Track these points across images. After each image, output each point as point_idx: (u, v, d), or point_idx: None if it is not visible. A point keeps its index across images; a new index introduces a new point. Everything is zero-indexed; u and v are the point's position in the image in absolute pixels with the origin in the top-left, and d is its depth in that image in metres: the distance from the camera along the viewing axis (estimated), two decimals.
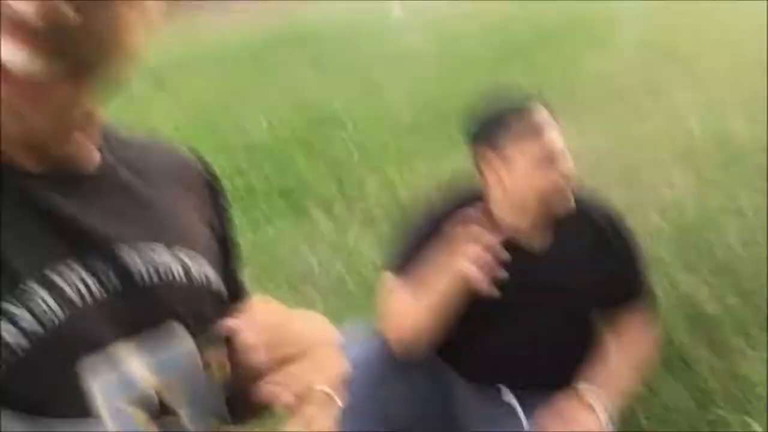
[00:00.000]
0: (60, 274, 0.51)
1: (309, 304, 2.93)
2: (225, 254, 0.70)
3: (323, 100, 5.97)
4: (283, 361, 0.54)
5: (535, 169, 1.42)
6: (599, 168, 3.60)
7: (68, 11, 0.44)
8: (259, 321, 0.55)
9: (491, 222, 1.46)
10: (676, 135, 3.79)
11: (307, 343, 0.56)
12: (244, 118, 5.81)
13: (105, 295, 0.53)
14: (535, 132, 1.43)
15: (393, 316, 1.51)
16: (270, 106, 6.03)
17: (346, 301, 2.86)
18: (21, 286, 0.48)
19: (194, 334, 0.60)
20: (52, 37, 0.45)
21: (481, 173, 1.52)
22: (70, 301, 0.51)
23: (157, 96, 7.04)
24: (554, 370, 1.53)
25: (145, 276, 0.57)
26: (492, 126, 1.48)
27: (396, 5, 9.28)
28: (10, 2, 0.43)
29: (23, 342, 0.47)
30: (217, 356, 0.62)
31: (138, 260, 0.57)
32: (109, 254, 0.55)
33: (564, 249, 1.51)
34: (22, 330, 0.47)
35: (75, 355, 0.50)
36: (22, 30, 0.44)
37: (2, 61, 0.44)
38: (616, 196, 3.20)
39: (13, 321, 0.47)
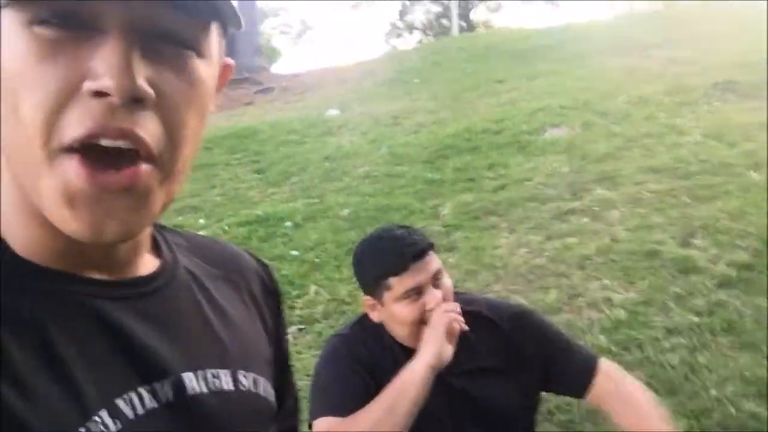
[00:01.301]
0: (128, 402, 0.51)
1: None
2: (281, 362, 0.72)
3: (263, 198, 6.05)
4: None
5: (404, 305, 1.50)
6: (531, 266, 3.77)
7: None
8: None
9: (395, 339, 1.56)
10: (600, 232, 4.02)
11: None
12: (183, 217, 5.80)
13: (168, 421, 0.53)
14: (414, 288, 1.49)
15: None
16: (210, 204, 6.06)
17: None
18: (94, 417, 0.48)
19: None
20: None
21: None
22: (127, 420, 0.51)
23: None
24: None
25: (211, 405, 0.57)
26: (373, 282, 1.55)
27: (333, 109, 9.64)
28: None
29: None
30: None
31: (204, 388, 0.57)
32: (176, 383, 0.55)
33: (472, 358, 1.55)
34: None
35: None
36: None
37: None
38: (548, 295, 3.37)
39: None
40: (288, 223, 5.07)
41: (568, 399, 2.55)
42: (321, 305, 3.68)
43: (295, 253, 4.48)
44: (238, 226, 5.16)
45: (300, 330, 3.49)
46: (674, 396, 2.46)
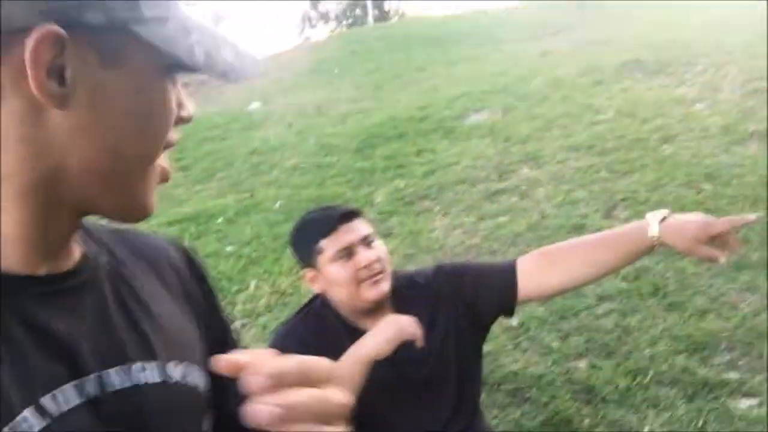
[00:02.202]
0: (53, 399, 0.51)
1: None
2: (211, 310, 0.74)
3: (190, 196, 5.93)
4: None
5: (338, 266, 1.58)
6: (466, 246, 3.88)
7: None
8: (265, 366, 0.47)
9: (339, 318, 1.63)
10: (529, 210, 4.18)
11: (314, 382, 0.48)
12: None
13: (94, 416, 0.53)
14: (345, 248, 1.57)
15: None
16: None
17: None
18: (18, 417, 0.48)
19: None
20: None
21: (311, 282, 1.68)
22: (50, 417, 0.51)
23: None
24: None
25: (136, 399, 0.57)
26: (304, 249, 1.64)
27: (255, 102, 9.50)
28: None
29: None
30: None
31: (128, 383, 0.57)
32: (101, 378, 0.55)
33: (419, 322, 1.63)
34: None
35: None
36: None
37: None
38: None
39: None
40: (220, 220, 5.00)
41: (513, 368, 2.66)
42: (263, 299, 3.66)
43: (230, 248, 4.43)
44: (168, 225, 5.04)
45: (243, 325, 3.47)
46: (611, 358, 2.61)
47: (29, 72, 0.47)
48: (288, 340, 1.63)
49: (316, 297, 1.70)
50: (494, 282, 1.62)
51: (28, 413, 0.49)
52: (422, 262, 3.78)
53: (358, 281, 1.56)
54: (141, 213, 0.59)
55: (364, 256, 1.56)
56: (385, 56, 11.42)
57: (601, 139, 5.11)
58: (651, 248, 1.44)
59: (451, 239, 4.01)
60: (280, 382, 0.46)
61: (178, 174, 6.73)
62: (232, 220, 4.99)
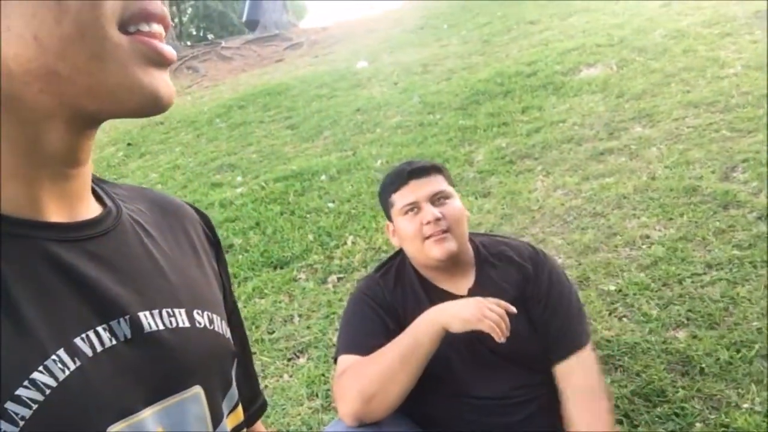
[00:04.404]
0: (86, 341, 0.52)
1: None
2: (223, 284, 0.73)
3: (297, 153, 6.10)
4: None
5: (405, 220, 1.60)
6: (567, 207, 3.75)
7: None
8: None
9: (417, 273, 1.65)
10: (637, 171, 3.95)
11: None
12: (221, 175, 5.90)
13: (128, 357, 0.54)
14: (412, 204, 1.60)
15: (348, 390, 1.46)
16: (246, 162, 6.13)
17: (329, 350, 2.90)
18: (52, 356, 0.49)
19: (221, 395, 0.63)
20: None
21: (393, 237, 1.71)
22: (92, 361, 0.51)
23: (133, 162, 7.11)
24: (509, 417, 1.55)
25: (169, 341, 0.58)
26: (384, 201, 1.69)
27: (362, 61, 9.54)
28: None
29: (37, 395, 0.47)
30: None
31: (161, 325, 0.58)
32: (133, 321, 0.56)
33: (486, 290, 1.59)
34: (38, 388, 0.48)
35: (91, 411, 0.50)
36: None
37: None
38: (585, 235, 3.36)
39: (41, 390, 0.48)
40: (323, 177, 5.12)
41: (606, 335, 2.57)
42: (358, 254, 3.73)
43: (331, 205, 4.53)
44: (275, 181, 5.22)
45: (339, 279, 3.56)
46: (715, 329, 2.45)
47: None
48: (366, 298, 1.67)
49: (400, 251, 1.72)
50: (559, 337, 1.56)
51: (60, 354, 0.49)
52: (519, 223, 3.70)
53: (423, 237, 1.56)
54: (138, 99, 0.51)
55: (428, 211, 1.55)
56: (496, 9, 11.06)
57: (724, 95, 4.71)
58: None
59: (551, 200, 3.89)
60: None
61: (286, 132, 6.95)
62: (334, 177, 5.09)
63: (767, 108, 4.26)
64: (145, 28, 0.51)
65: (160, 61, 0.52)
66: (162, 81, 0.52)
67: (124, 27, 0.50)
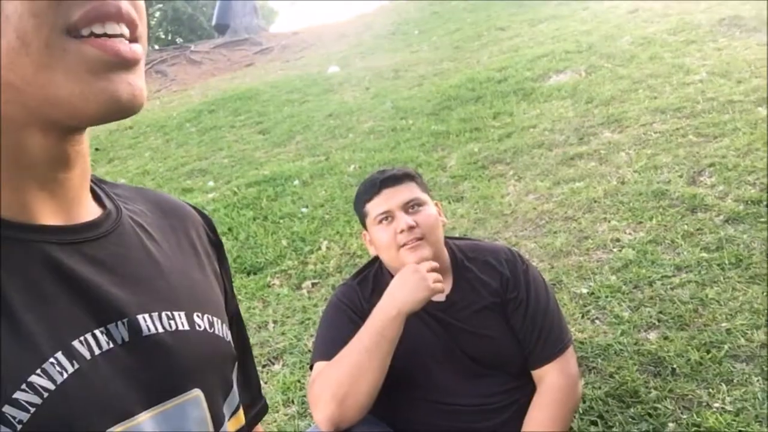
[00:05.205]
0: (84, 344, 0.51)
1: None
2: (225, 287, 0.73)
3: (269, 158, 6.06)
4: None
5: (380, 229, 1.61)
6: (539, 211, 3.79)
7: None
8: None
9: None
10: (607, 175, 4.02)
11: None
12: (192, 180, 5.84)
13: (126, 360, 0.54)
14: (385, 213, 1.60)
15: (321, 395, 1.46)
16: (217, 167, 6.08)
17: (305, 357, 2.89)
18: (49, 360, 0.48)
19: (222, 398, 0.63)
20: None
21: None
22: (91, 365, 0.51)
23: (101, 168, 7.00)
24: (488, 423, 1.56)
25: (168, 344, 0.57)
26: (358, 211, 1.69)
27: (334, 66, 9.54)
28: None
29: (34, 399, 0.47)
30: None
31: (159, 328, 0.57)
32: (131, 324, 0.55)
33: (464, 295, 1.62)
34: (35, 390, 0.47)
35: (89, 414, 0.50)
36: None
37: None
38: (557, 239, 3.40)
39: (38, 393, 0.47)
40: (296, 182, 5.10)
41: (579, 337, 2.61)
42: (333, 259, 3.72)
43: (304, 210, 4.51)
44: (247, 186, 5.19)
45: (314, 284, 3.55)
46: (685, 330, 2.50)
47: None
48: (342, 305, 1.67)
49: (377, 258, 1.72)
50: (539, 345, 1.59)
51: (59, 356, 0.49)
52: (492, 227, 3.73)
53: (398, 246, 1.56)
54: (95, 107, 0.49)
55: (402, 220, 1.56)
56: (467, 16, 11.17)
57: (690, 101, 4.82)
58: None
59: (523, 204, 3.93)
60: None
61: (258, 137, 6.91)
62: (307, 182, 5.07)
63: (732, 114, 4.36)
64: (99, 29, 0.48)
65: (118, 63, 0.49)
66: (123, 84, 0.49)
67: (74, 31, 0.47)
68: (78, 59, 0.47)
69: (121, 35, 0.49)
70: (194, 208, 0.75)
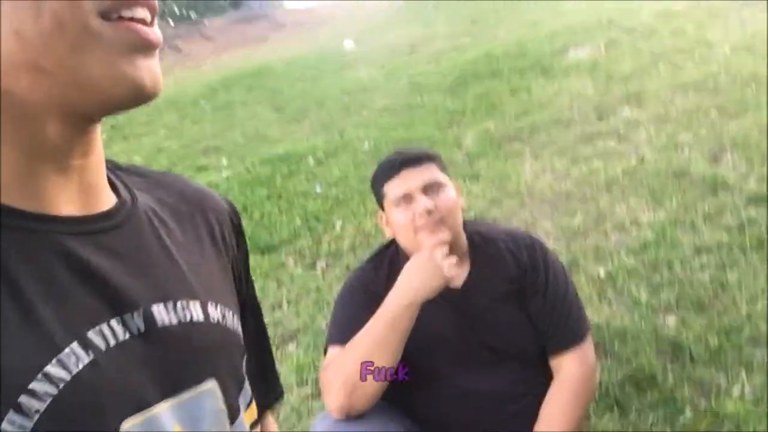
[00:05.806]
0: (100, 334, 0.51)
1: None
2: (243, 274, 0.73)
3: (283, 136, 6.03)
4: None
5: (398, 211, 1.56)
6: (556, 191, 3.73)
7: None
8: None
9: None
10: (626, 154, 3.94)
11: None
12: (206, 158, 5.83)
13: (142, 351, 0.54)
14: (404, 195, 1.56)
15: (333, 382, 1.46)
16: (231, 144, 6.06)
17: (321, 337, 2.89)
18: (65, 350, 0.49)
19: (236, 390, 0.63)
20: None
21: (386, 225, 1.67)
22: (108, 356, 0.51)
23: (117, 145, 7.00)
24: (503, 412, 1.55)
25: (182, 335, 0.57)
26: (376, 191, 1.65)
27: (348, 41, 9.44)
28: None
29: (51, 389, 0.47)
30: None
31: (174, 320, 0.57)
32: (147, 314, 0.55)
33: (481, 281, 1.59)
34: (53, 381, 0.47)
35: (106, 404, 0.50)
36: None
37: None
38: (574, 219, 3.35)
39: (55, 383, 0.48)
40: (310, 160, 5.07)
41: (596, 320, 2.57)
42: (347, 239, 3.70)
43: (318, 189, 4.49)
44: (261, 164, 5.17)
45: (328, 264, 3.53)
46: (703, 313, 2.46)
47: None
48: (358, 289, 1.64)
49: (393, 241, 1.69)
50: (557, 331, 1.56)
51: (74, 347, 0.49)
52: (508, 207, 3.68)
53: (416, 228, 1.53)
54: (121, 91, 0.50)
55: (421, 202, 1.52)
56: None
57: (712, 77, 4.71)
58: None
59: (539, 183, 3.87)
60: None
61: (272, 114, 6.87)
62: (321, 160, 5.04)
63: (756, 90, 4.25)
64: (127, 13, 0.49)
65: (144, 47, 0.50)
66: (147, 69, 0.50)
67: (105, 14, 0.48)
68: (111, 42, 0.49)
69: (143, 19, 0.50)
70: (220, 197, 0.75)
